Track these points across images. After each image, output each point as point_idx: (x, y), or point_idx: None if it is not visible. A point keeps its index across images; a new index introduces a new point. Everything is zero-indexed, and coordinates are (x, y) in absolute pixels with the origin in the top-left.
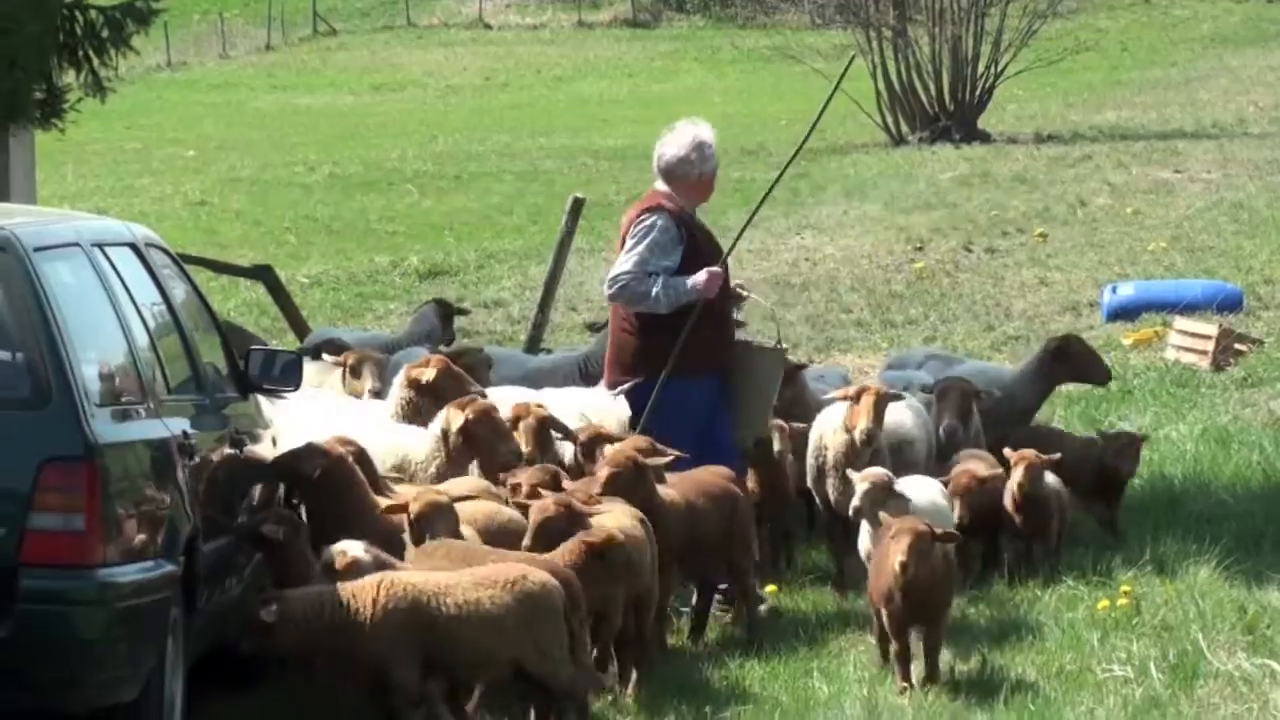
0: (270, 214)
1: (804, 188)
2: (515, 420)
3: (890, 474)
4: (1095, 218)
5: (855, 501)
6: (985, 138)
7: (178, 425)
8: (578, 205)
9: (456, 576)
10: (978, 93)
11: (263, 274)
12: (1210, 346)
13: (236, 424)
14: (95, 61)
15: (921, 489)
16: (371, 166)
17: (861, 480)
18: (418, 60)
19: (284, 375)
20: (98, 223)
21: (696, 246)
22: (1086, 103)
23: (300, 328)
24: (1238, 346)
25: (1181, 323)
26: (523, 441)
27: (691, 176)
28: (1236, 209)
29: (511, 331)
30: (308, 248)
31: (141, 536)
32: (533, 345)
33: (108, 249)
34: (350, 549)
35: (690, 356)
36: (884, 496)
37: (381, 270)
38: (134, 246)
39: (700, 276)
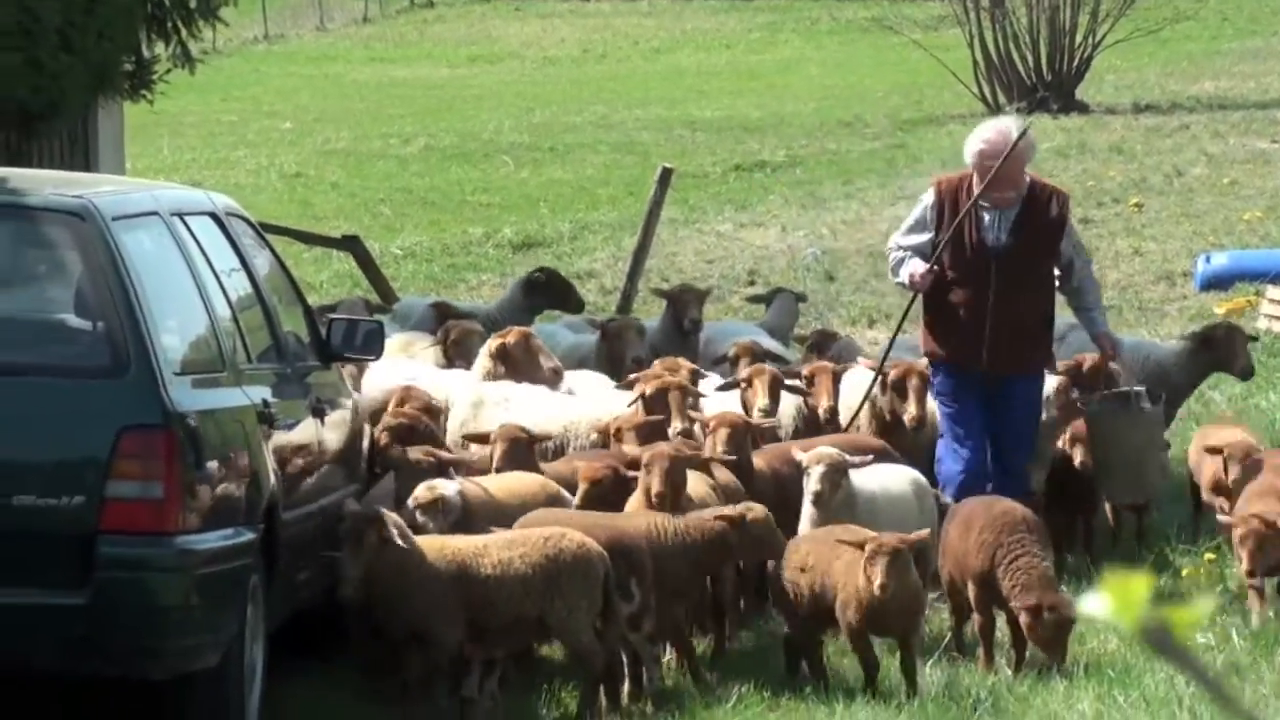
0: (365, 186)
1: (900, 158)
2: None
3: (841, 453)
4: (1191, 188)
5: (814, 485)
6: (1083, 108)
7: (258, 394)
8: (666, 175)
9: (492, 537)
10: (1075, 63)
11: (351, 245)
12: None
13: (318, 393)
14: (184, 33)
15: (892, 477)
16: (467, 138)
17: (816, 462)
18: (515, 32)
19: (366, 344)
20: (177, 192)
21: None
22: (1185, 72)
23: (388, 298)
24: None
25: (1274, 292)
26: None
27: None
28: None
29: (604, 302)
30: (402, 219)
31: (221, 504)
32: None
33: (187, 218)
34: (440, 485)
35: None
36: (840, 477)
37: (475, 242)
38: (214, 215)
39: (914, 266)
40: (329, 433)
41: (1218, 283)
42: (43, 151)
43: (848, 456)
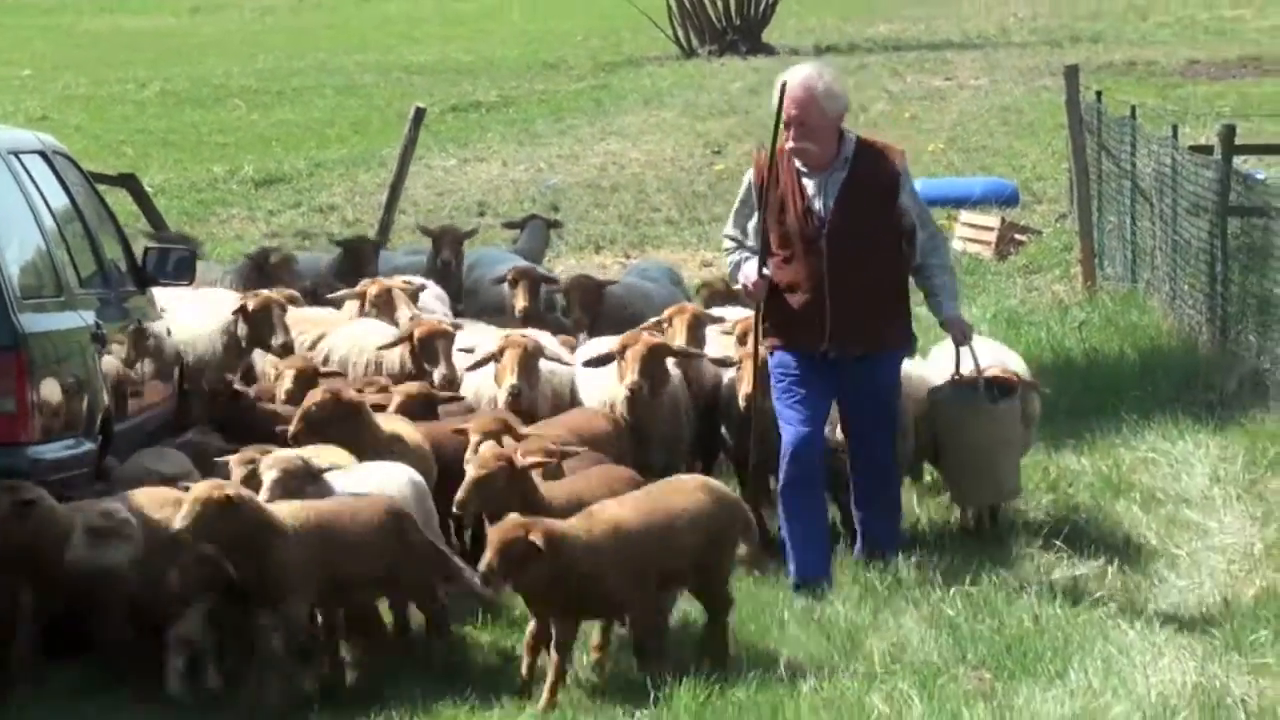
0: (108, 128)
1: (605, 98)
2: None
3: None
4: (876, 123)
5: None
6: (769, 50)
7: (89, 317)
8: (420, 114)
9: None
10: (762, 8)
11: (127, 181)
12: (993, 237)
13: (137, 315)
14: None
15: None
16: (199, 83)
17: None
18: None
19: (177, 270)
20: (12, 133)
21: None
22: (860, 17)
23: (161, 230)
24: (1017, 237)
25: (965, 216)
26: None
27: None
28: (1005, 112)
29: (348, 233)
30: (146, 159)
31: (63, 417)
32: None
33: (21, 156)
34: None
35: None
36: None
37: (220, 179)
38: (43, 154)
39: (747, 274)
40: (149, 352)
41: None
42: None
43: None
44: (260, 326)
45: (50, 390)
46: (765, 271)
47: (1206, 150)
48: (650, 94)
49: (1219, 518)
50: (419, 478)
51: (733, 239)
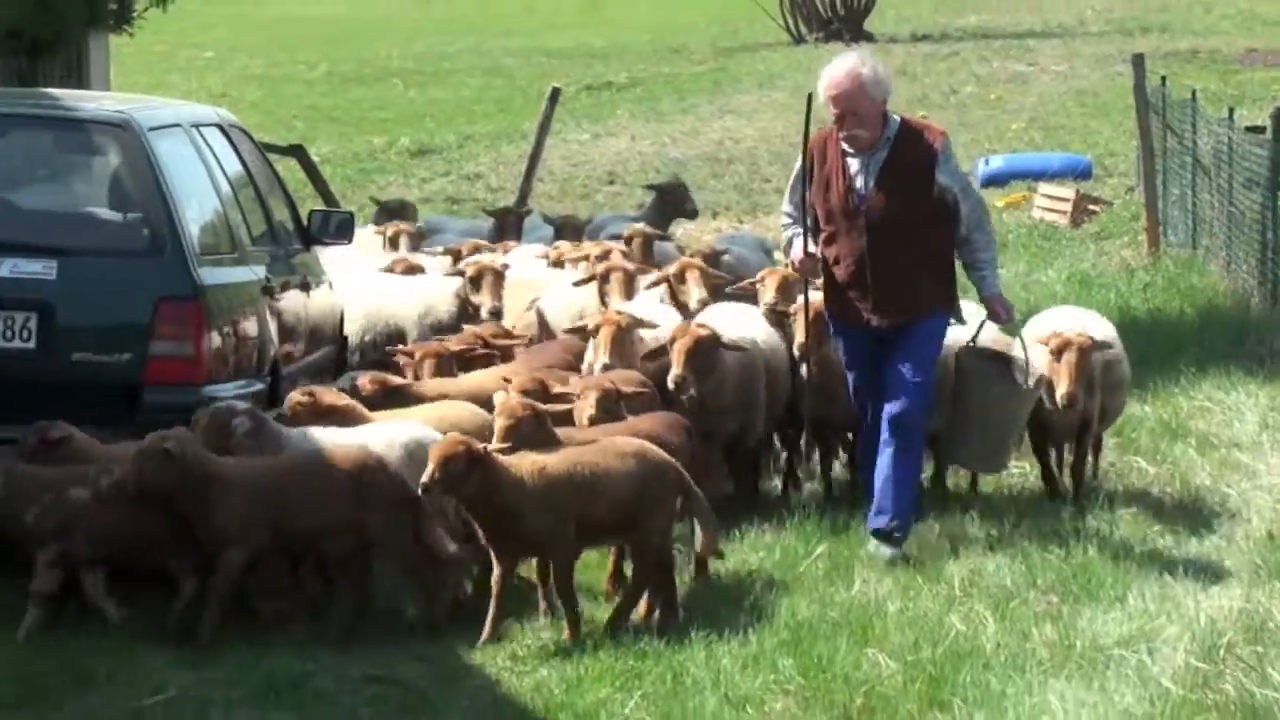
0: (281, 105)
1: (723, 80)
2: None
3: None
4: (965, 103)
5: None
6: (870, 37)
7: (260, 271)
8: (555, 93)
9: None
10: (863, 0)
11: (296, 152)
12: (1069, 207)
13: (303, 271)
14: None
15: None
16: (362, 65)
17: None
18: None
19: (338, 232)
20: (193, 107)
21: None
22: (952, 7)
23: (330, 200)
24: (1090, 207)
25: (1044, 188)
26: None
27: None
28: (1081, 95)
29: (491, 198)
30: (314, 132)
31: (236, 361)
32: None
33: (202, 128)
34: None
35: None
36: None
37: (379, 150)
38: (220, 127)
39: (795, 252)
40: (312, 302)
41: (996, 181)
42: (46, 76)
43: None
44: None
45: (224, 336)
46: (811, 249)
47: (1260, 130)
48: (764, 77)
49: (1266, 460)
50: (427, 437)
51: (788, 215)
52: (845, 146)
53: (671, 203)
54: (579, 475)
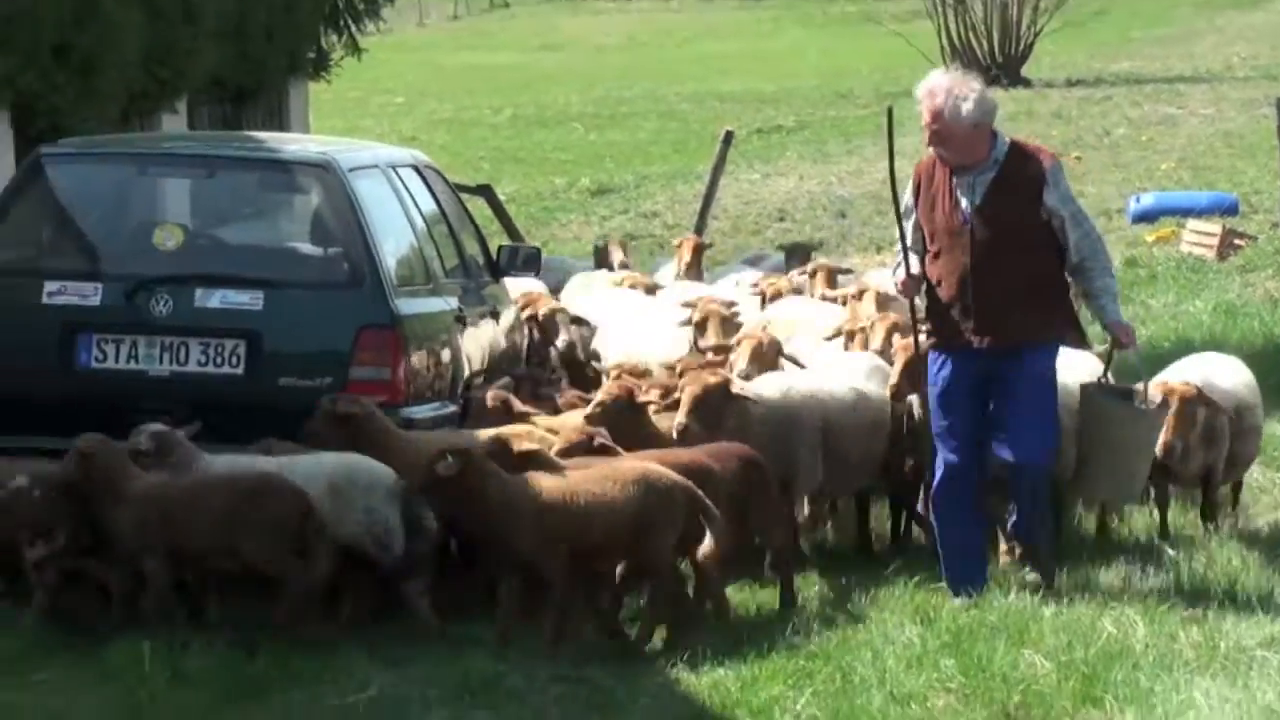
0: (467, 147)
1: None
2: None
3: None
4: (1118, 144)
5: None
6: (1027, 83)
7: (453, 301)
8: (729, 136)
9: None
10: (1020, 47)
11: (484, 191)
12: (1215, 242)
13: (492, 302)
14: (354, 28)
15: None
16: (544, 109)
17: None
18: (573, 26)
19: (525, 264)
20: (390, 149)
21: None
22: (1106, 54)
23: (515, 235)
24: (1236, 242)
25: (1193, 224)
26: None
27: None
28: (1228, 136)
29: (666, 234)
30: (499, 172)
31: (431, 384)
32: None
33: (399, 169)
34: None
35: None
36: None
37: (560, 190)
38: (415, 167)
39: (899, 275)
40: (500, 331)
41: (1146, 217)
42: (249, 121)
43: None
44: (546, 331)
45: (420, 362)
46: (914, 271)
47: None
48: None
49: None
50: (359, 470)
51: (901, 240)
52: (954, 170)
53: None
54: (573, 501)
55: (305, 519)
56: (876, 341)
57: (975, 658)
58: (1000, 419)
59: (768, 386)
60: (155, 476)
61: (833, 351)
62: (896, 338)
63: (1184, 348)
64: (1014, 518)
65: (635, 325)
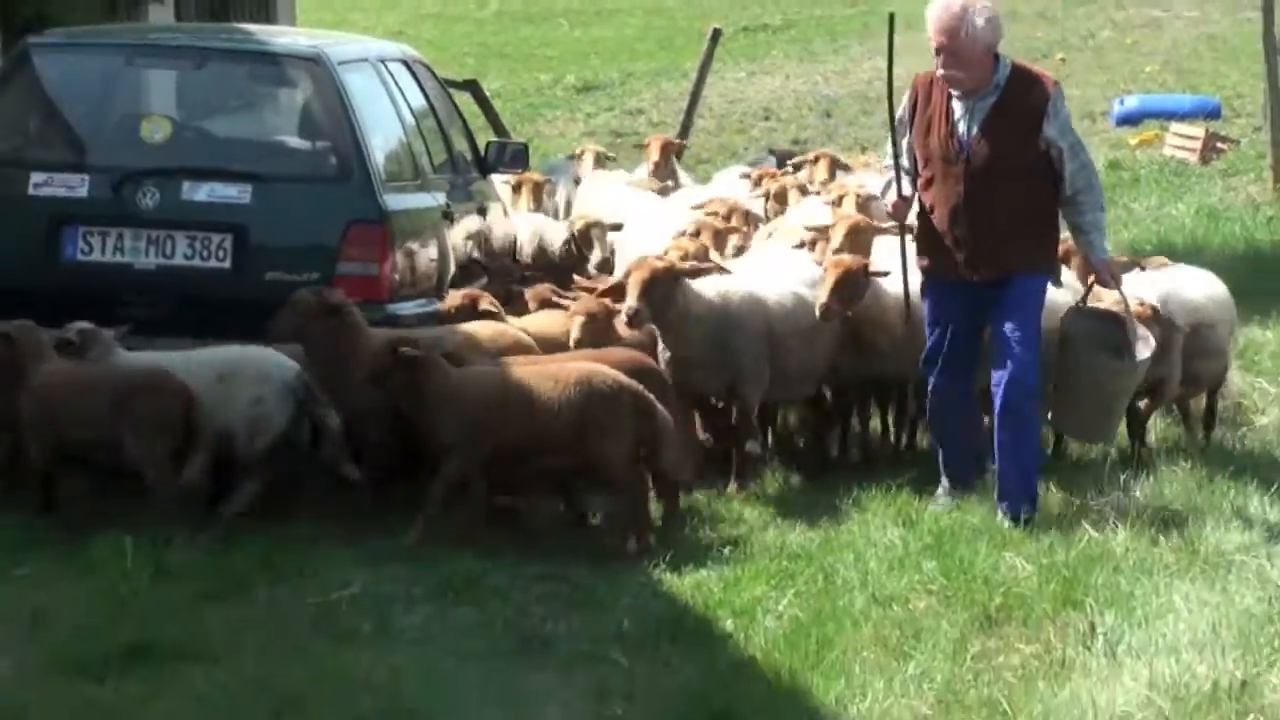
0: (454, 41)
1: (873, 22)
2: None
3: None
4: (1102, 47)
5: None
6: None
7: (440, 197)
8: (716, 34)
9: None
10: None
11: (471, 87)
12: (1198, 145)
13: (480, 198)
14: None
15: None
16: (530, 4)
17: None
18: None
19: (513, 160)
20: (379, 43)
21: None
22: None
23: (501, 131)
24: (1219, 145)
25: (1176, 127)
26: None
27: None
28: (1213, 39)
29: (653, 132)
30: (484, 68)
31: (417, 281)
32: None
33: (388, 63)
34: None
35: None
36: None
37: (546, 86)
38: (405, 61)
39: (890, 196)
40: (489, 227)
41: (1130, 120)
42: (236, 12)
43: None
44: (583, 245)
45: (407, 258)
46: (906, 193)
47: None
48: (911, 18)
49: None
50: (248, 363)
51: (892, 157)
52: (952, 90)
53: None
54: (510, 396)
55: (185, 415)
56: (836, 243)
57: (957, 560)
58: (989, 342)
59: (707, 287)
60: (58, 365)
61: (785, 252)
62: (828, 251)
63: (1166, 251)
64: (998, 434)
65: (647, 228)
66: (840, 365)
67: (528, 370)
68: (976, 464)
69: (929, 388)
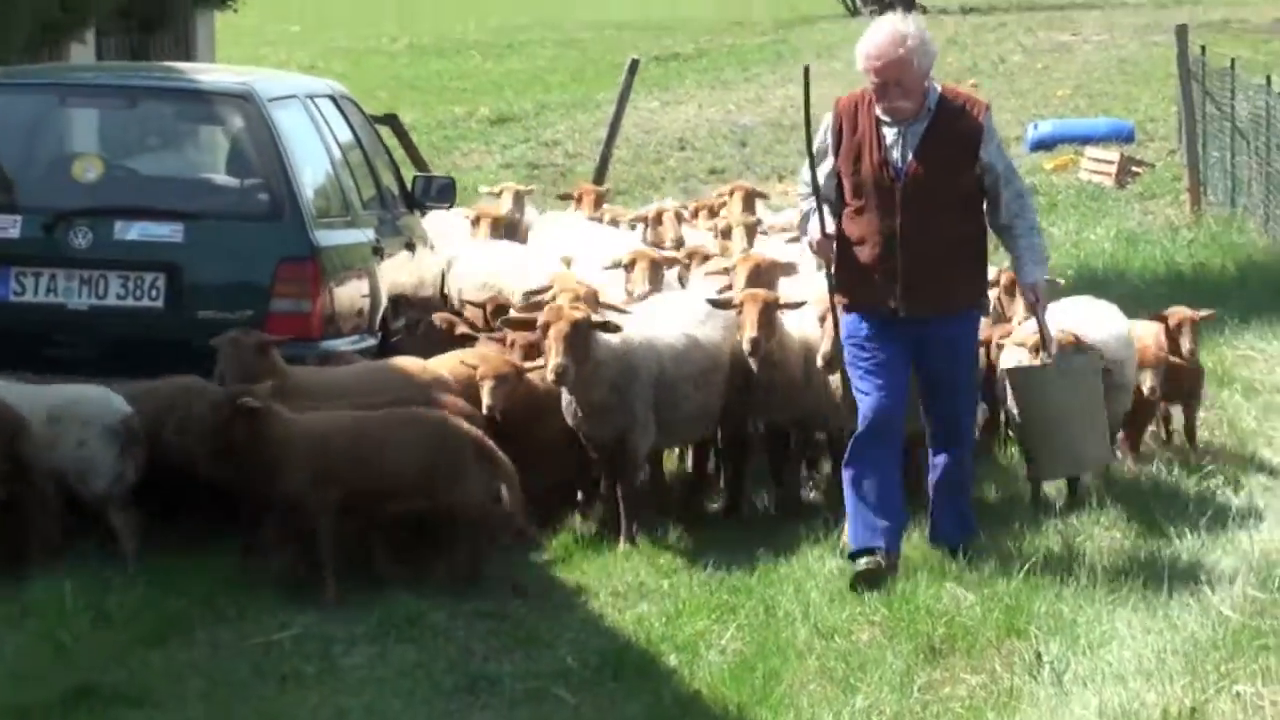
0: (366, 75)
1: (784, 50)
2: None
3: None
4: (1013, 71)
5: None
6: (922, 9)
7: (370, 233)
8: (634, 65)
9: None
10: None
11: (391, 121)
12: (1114, 169)
13: (408, 233)
14: None
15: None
16: (440, 38)
17: None
18: None
19: (439, 194)
20: (308, 79)
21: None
22: None
23: (421, 165)
24: (1134, 169)
25: (1090, 151)
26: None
27: None
28: (1123, 63)
29: (569, 164)
30: (398, 102)
31: (350, 317)
32: (599, 177)
33: (316, 99)
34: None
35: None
36: None
37: (460, 119)
38: (332, 97)
39: (813, 231)
40: (418, 262)
41: (1044, 145)
42: (157, 50)
43: None
44: None
45: (338, 294)
46: (830, 230)
47: None
48: (821, 47)
49: None
50: (82, 401)
51: (809, 186)
52: (880, 114)
53: None
54: (356, 444)
55: (13, 443)
56: (740, 283)
57: (899, 591)
58: (922, 388)
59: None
60: None
61: (674, 294)
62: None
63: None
64: (933, 475)
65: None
66: (732, 407)
67: (370, 416)
68: (893, 526)
69: (855, 449)
